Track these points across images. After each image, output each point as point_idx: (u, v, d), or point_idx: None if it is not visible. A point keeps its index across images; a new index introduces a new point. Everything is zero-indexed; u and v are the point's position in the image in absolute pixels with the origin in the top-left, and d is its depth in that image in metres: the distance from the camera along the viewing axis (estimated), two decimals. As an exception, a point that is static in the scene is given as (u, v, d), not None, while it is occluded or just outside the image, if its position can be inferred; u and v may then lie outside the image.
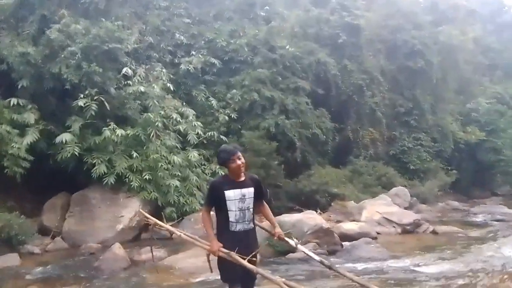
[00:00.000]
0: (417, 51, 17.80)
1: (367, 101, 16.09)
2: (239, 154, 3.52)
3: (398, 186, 14.12)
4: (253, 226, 3.59)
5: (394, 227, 10.50)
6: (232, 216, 3.47)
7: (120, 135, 9.31)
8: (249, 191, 3.52)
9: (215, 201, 3.55)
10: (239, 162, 3.48)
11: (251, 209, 3.54)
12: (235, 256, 3.38)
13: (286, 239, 3.58)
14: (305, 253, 3.46)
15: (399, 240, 9.64)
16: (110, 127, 9.33)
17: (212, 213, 3.65)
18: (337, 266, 3.38)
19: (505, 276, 6.45)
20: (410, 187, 14.52)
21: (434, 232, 10.24)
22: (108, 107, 9.57)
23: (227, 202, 3.47)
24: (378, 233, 9.89)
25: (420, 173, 16.46)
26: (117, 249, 7.34)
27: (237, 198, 3.48)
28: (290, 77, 14.07)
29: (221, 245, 3.47)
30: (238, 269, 3.42)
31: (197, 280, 6.42)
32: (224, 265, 3.53)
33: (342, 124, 15.64)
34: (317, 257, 3.42)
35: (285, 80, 13.93)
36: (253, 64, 13.77)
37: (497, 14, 27.73)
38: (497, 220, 12.12)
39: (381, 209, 11.33)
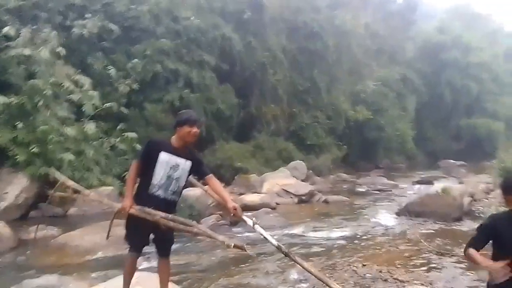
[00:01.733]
0: (315, 33, 18.83)
1: (269, 78, 16.61)
2: (199, 124, 3.37)
3: (297, 160, 15.07)
4: (176, 199, 3.44)
5: (291, 197, 11.26)
6: (156, 180, 3.31)
7: (1, 102, 8.26)
8: (185, 163, 3.36)
9: (146, 158, 3.34)
10: (195, 130, 3.32)
11: (180, 183, 3.38)
12: (150, 210, 3.24)
13: (244, 217, 3.33)
14: (262, 235, 3.17)
15: (295, 209, 10.35)
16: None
17: None
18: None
19: (381, 238, 7.43)
20: (307, 161, 15.58)
21: (325, 202, 11.22)
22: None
23: (157, 164, 3.30)
24: (277, 204, 10.50)
25: (316, 148, 17.71)
26: (2, 228, 6.64)
27: (170, 165, 3.32)
28: (195, 50, 13.81)
29: (134, 204, 3.31)
30: (146, 232, 3.34)
31: (94, 257, 6.14)
32: (131, 228, 3.40)
33: (246, 100, 15.94)
34: (274, 242, 3.17)
35: (190, 53, 13.63)
36: (155, 34, 13.15)
37: (386, 2, 30.37)
38: (378, 190, 13.70)
39: (281, 181, 12.03)
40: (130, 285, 3.51)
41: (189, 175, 3.45)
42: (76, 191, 4.17)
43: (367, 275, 5.30)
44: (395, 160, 23.12)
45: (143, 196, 3.34)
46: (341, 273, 5.42)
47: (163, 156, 3.32)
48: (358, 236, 7.68)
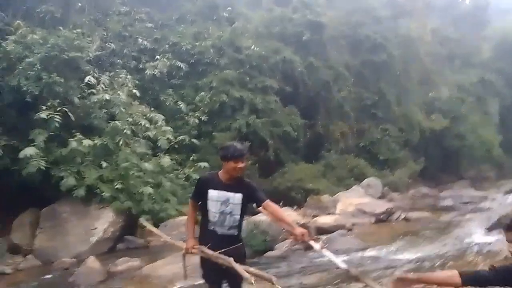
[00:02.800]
0: (378, 45, 18.30)
1: (335, 96, 16.39)
2: (245, 157, 3.31)
3: (370, 177, 14.48)
4: (234, 233, 3.38)
5: (368, 217, 10.75)
6: (211, 217, 3.34)
7: (87, 145, 9.06)
8: (236, 197, 3.31)
9: (198, 197, 3.41)
10: (240, 165, 3.27)
11: (235, 216, 3.33)
12: (207, 250, 3.26)
13: (311, 242, 3.17)
14: (331, 259, 3.00)
15: (373, 229, 9.86)
16: (76, 138, 9.06)
17: None
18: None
19: (472, 258, 6.75)
20: (382, 177, 14.90)
21: (406, 219, 10.55)
22: (72, 118, 9.30)
23: (208, 202, 3.33)
24: (353, 224, 10.09)
25: (389, 163, 16.89)
26: (92, 262, 7.15)
27: (220, 201, 3.31)
28: (258, 76, 14.13)
29: (196, 243, 3.36)
30: (219, 269, 3.28)
31: (176, 287, 6.35)
32: (205, 264, 3.45)
33: (312, 120, 15.84)
34: (344, 265, 2.96)
35: (253, 79, 13.98)
36: (219, 65, 13.75)
37: (453, 6, 28.81)
38: (465, 203, 12.62)
39: (355, 200, 11.59)
40: None
41: (243, 206, 3.36)
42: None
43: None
44: (481, 170, 21.21)
45: (206, 233, 3.38)
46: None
47: (212, 193, 3.32)
48: (447, 256, 7.07)
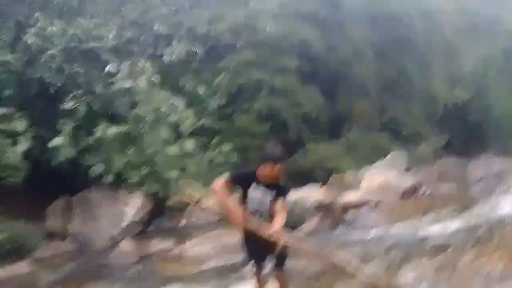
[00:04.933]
0: (399, 19, 17.77)
1: (355, 73, 16.10)
2: (280, 163, 3.43)
3: (393, 152, 14.30)
4: None
5: (393, 193, 10.66)
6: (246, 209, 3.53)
7: (113, 133, 9.23)
8: (266, 199, 3.48)
9: (238, 184, 3.57)
10: (277, 168, 3.41)
11: (266, 215, 3.48)
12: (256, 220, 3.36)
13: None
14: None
15: (399, 205, 9.80)
16: (101, 126, 9.25)
17: None
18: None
19: (506, 230, 6.63)
20: (406, 152, 14.71)
21: (432, 194, 10.42)
22: (96, 107, 9.48)
23: (247, 199, 3.53)
24: (378, 201, 10.04)
25: (413, 138, 16.63)
26: (125, 245, 7.41)
27: (255, 199, 3.50)
28: (276, 57, 13.99)
29: (246, 213, 3.44)
30: (263, 244, 3.39)
31: (209, 267, 6.51)
32: (248, 240, 3.60)
33: (332, 99, 15.65)
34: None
35: (271, 60, 13.84)
36: (236, 48, 13.66)
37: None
38: (493, 175, 12.36)
39: (379, 177, 11.49)
40: None
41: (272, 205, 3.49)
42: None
43: (493, 273, 4.77)
44: (507, 142, 20.64)
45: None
46: (462, 272, 4.95)
47: (250, 192, 3.50)
48: (478, 228, 6.97)
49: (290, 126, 13.26)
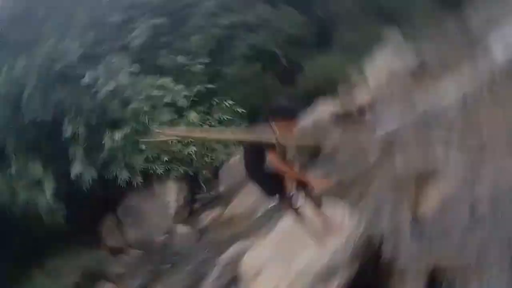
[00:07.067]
0: None
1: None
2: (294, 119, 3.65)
3: (388, 36, 13.77)
4: None
5: (402, 76, 10.20)
6: None
7: (120, 137, 9.40)
8: None
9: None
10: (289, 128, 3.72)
11: None
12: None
13: None
14: None
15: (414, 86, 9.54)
16: (106, 136, 9.39)
17: None
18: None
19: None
20: (399, 31, 14.13)
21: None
22: (94, 121, 9.58)
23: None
24: (391, 89, 9.82)
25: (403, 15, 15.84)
26: (181, 229, 7.76)
27: None
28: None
29: None
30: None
31: (259, 214, 6.78)
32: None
33: (311, 14, 14.92)
34: None
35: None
36: (198, 5, 13.13)
37: None
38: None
39: (383, 67, 11.15)
40: None
41: None
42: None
43: None
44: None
45: None
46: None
47: None
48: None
49: (279, 54, 12.96)
